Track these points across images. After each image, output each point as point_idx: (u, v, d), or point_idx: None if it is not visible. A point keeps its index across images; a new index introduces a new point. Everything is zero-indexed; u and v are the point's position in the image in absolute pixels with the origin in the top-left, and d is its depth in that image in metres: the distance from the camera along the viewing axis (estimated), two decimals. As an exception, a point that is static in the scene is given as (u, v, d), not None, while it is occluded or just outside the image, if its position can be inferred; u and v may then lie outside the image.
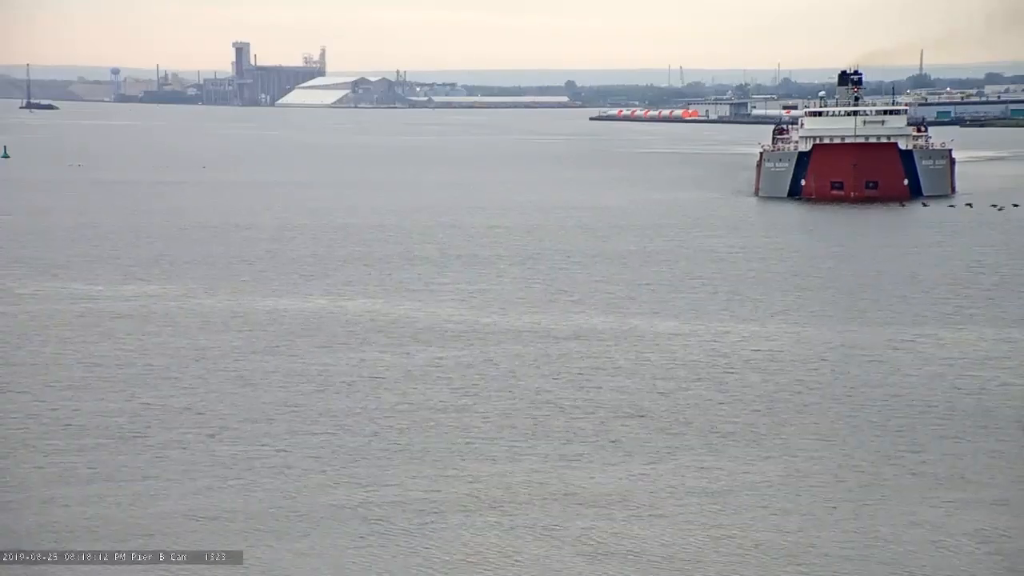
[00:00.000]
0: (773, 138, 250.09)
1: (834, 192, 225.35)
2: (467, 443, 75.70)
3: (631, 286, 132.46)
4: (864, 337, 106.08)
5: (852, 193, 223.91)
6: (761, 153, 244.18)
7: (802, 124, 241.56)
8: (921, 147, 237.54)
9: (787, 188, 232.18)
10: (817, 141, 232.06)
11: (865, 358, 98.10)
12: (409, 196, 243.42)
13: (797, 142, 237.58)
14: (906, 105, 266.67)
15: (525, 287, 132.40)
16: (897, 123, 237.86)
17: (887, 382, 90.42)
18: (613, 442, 75.72)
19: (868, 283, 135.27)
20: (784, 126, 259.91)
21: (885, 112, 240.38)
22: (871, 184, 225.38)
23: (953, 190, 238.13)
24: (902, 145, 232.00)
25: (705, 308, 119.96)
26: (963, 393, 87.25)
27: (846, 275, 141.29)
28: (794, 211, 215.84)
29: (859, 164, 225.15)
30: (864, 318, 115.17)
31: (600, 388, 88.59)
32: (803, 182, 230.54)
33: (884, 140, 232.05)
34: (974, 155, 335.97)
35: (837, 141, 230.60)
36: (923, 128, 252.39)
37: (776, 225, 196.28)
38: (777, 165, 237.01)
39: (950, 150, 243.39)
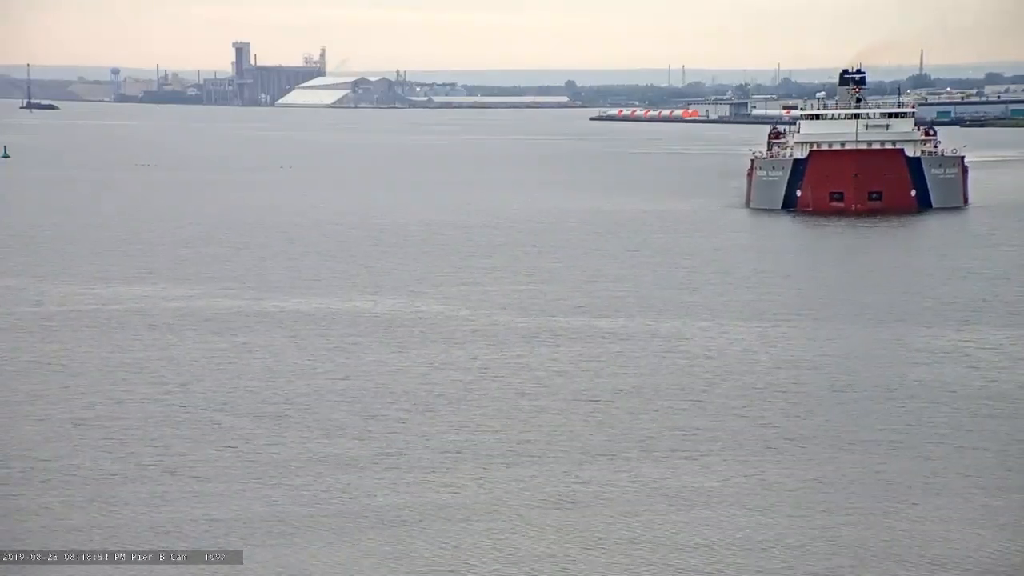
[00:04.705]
0: (769, 142, 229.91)
1: (833, 204, 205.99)
2: (472, 446, 75.59)
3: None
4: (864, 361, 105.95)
5: (853, 205, 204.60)
6: (752, 160, 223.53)
7: (799, 128, 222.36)
8: (930, 153, 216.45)
9: (781, 199, 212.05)
10: (814, 147, 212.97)
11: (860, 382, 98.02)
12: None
13: (792, 148, 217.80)
14: (912, 107, 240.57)
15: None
16: (903, 127, 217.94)
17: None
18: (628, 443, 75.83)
19: (868, 308, 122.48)
20: (781, 129, 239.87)
21: (889, 115, 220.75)
22: (874, 195, 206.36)
23: (966, 201, 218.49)
24: (909, 151, 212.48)
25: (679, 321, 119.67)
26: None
27: (843, 298, 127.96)
28: (788, 225, 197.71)
29: (861, 173, 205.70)
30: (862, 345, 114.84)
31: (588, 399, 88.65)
32: (799, 193, 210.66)
33: (889, 146, 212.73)
34: (979, 156, 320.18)
35: (836, 147, 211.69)
36: (932, 132, 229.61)
37: (767, 240, 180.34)
38: (770, 174, 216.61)
39: (962, 157, 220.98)
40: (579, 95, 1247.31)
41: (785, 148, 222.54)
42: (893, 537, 60.96)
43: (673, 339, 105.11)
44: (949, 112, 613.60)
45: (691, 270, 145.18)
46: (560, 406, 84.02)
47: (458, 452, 73.88)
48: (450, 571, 57.32)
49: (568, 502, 65.52)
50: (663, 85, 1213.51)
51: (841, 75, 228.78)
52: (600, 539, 60.66)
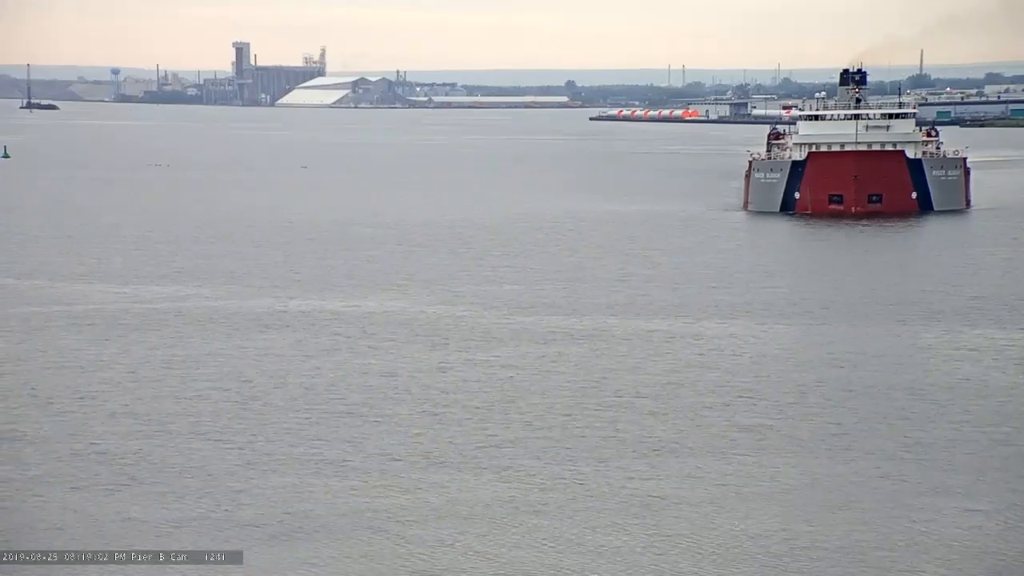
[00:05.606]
0: (768, 143, 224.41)
1: (832, 206, 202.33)
2: (475, 448, 75.57)
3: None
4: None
5: (853, 208, 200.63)
6: (750, 162, 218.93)
7: (798, 129, 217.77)
8: (931, 155, 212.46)
9: (779, 202, 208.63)
10: (813, 148, 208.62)
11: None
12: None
13: (791, 149, 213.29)
14: (913, 107, 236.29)
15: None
16: (904, 128, 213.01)
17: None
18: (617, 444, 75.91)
19: (890, 308, 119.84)
20: (780, 130, 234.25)
21: (890, 116, 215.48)
22: (874, 198, 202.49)
23: (968, 204, 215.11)
24: (910, 153, 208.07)
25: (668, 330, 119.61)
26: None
27: (841, 305, 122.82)
28: (786, 228, 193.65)
29: (861, 175, 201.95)
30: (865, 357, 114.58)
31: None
32: (797, 195, 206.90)
33: (889, 147, 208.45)
34: (980, 156, 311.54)
35: (836, 148, 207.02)
36: (934, 132, 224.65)
37: (762, 244, 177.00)
38: (768, 176, 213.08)
39: (964, 158, 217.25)
40: (579, 95, 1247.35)
41: (784, 149, 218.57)
42: (950, 534, 61.14)
43: (711, 338, 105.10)
44: (949, 112, 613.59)
45: (711, 269, 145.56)
46: (602, 402, 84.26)
47: (469, 456, 73.85)
48: (452, 572, 57.32)
49: (618, 498, 65.78)
50: (663, 85, 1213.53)
51: (841, 75, 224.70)
52: (660, 534, 60.88)
